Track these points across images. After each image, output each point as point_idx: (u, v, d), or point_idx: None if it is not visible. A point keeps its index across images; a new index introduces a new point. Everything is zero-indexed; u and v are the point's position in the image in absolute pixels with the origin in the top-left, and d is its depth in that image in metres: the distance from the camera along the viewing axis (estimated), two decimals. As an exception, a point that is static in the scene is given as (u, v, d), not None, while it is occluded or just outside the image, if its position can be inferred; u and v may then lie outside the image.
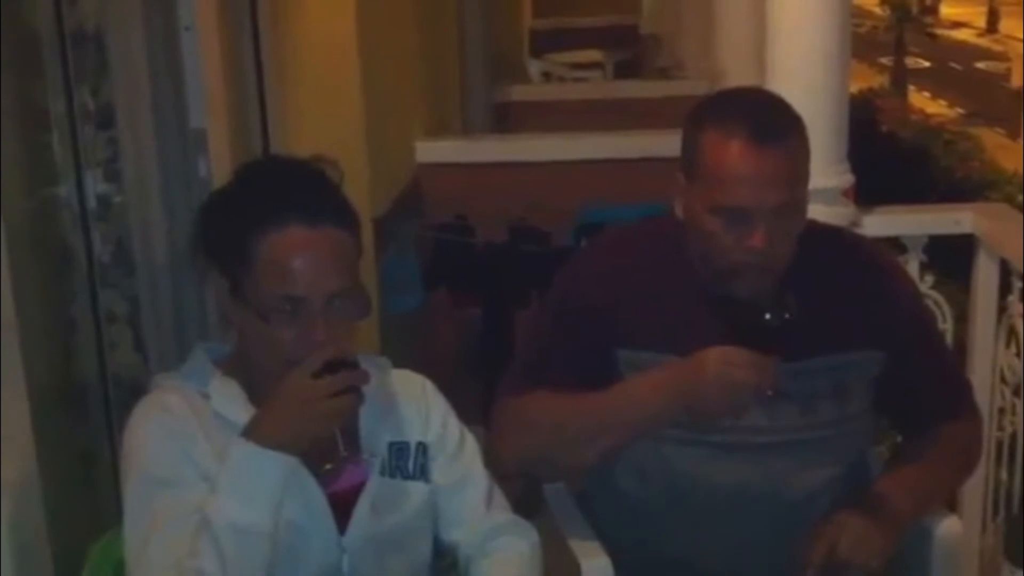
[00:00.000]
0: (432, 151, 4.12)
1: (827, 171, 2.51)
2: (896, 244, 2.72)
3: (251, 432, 1.43)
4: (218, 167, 2.27)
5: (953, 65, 28.32)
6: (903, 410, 1.88)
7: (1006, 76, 22.94)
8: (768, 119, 1.69)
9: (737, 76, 4.10)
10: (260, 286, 1.46)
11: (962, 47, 30.85)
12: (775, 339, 1.63)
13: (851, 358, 1.79)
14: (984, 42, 31.84)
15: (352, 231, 1.52)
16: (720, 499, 1.76)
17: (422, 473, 1.62)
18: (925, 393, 1.86)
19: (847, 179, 2.65)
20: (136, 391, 2.16)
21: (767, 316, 1.63)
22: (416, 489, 1.61)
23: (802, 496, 1.76)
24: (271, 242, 1.46)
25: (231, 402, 1.53)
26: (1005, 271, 2.74)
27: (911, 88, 24.84)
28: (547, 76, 8.08)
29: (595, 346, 1.75)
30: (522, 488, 1.89)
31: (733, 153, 1.65)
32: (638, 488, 1.81)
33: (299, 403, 1.41)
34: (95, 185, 2.14)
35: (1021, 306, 2.66)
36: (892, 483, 1.79)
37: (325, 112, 2.89)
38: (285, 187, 1.52)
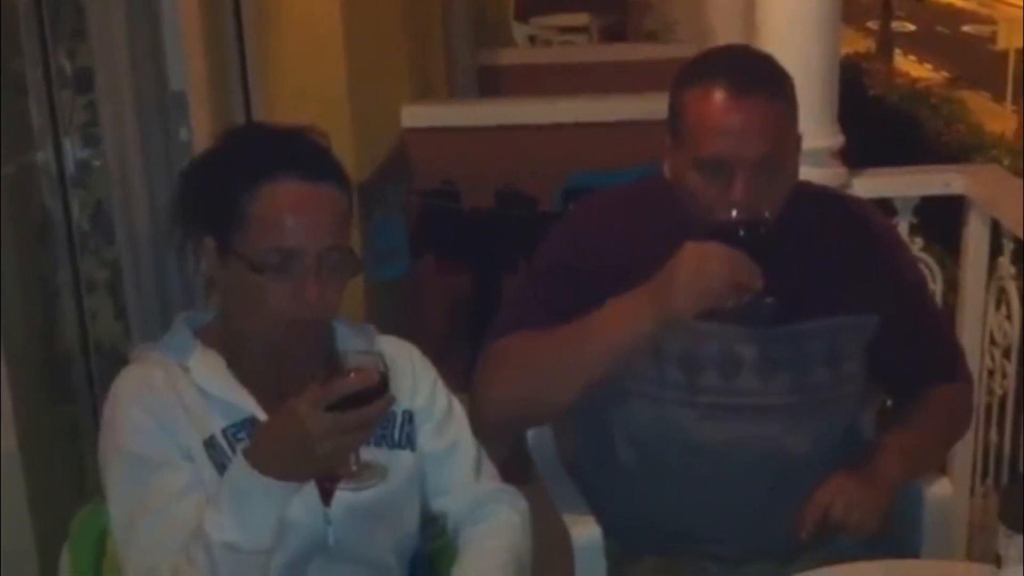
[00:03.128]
0: (418, 115, 4.08)
1: (817, 132, 2.49)
2: (886, 206, 2.70)
3: (254, 455, 1.37)
4: (199, 131, 2.25)
5: (939, 29, 28.27)
6: (895, 373, 1.87)
7: (992, 39, 22.90)
8: (748, 71, 1.69)
9: (726, 38, 4.04)
10: (252, 240, 1.44)
11: (948, 10, 30.79)
12: (752, 249, 1.58)
13: (844, 322, 1.78)
14: (970, 5, 31.77)
15: (344, 189, 1.50)
16: (712, 462, 1.75)
17: (408, 441, 1.60)
18: (917, 357, 1.86)
19: (838, 140, 2.63)
20: (118, 360, 2.14)
21: (741, 234, 1.60)
22: (402, 458, 1.58)
23: (794, 459, 1.75)
24: (264, 195, 1.44)
25: (212, 375, 1.50)
26: (994, 233, 2.73)
27: (897, 52, 24.80)
28: (533, 40, 8.02)
29: (582, 304, 1.72)
30: (509, 453, 1.87)
31: (713, 104, 1.65)
32: (628, 453, 1.80)
33: (306, 437, 1.32)
34: (73, 150, 2.12)
35: (1012, 268, 2.65)
36: (885, 446, 1.78)
37: (308, 75, 2.86)
38: (278, 143, 1.50)
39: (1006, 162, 12.25)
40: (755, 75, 1.68)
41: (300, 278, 1.43)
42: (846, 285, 1.77)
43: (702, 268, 1.58)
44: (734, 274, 1.57)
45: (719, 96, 1.64)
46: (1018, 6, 21.05)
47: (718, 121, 1.64)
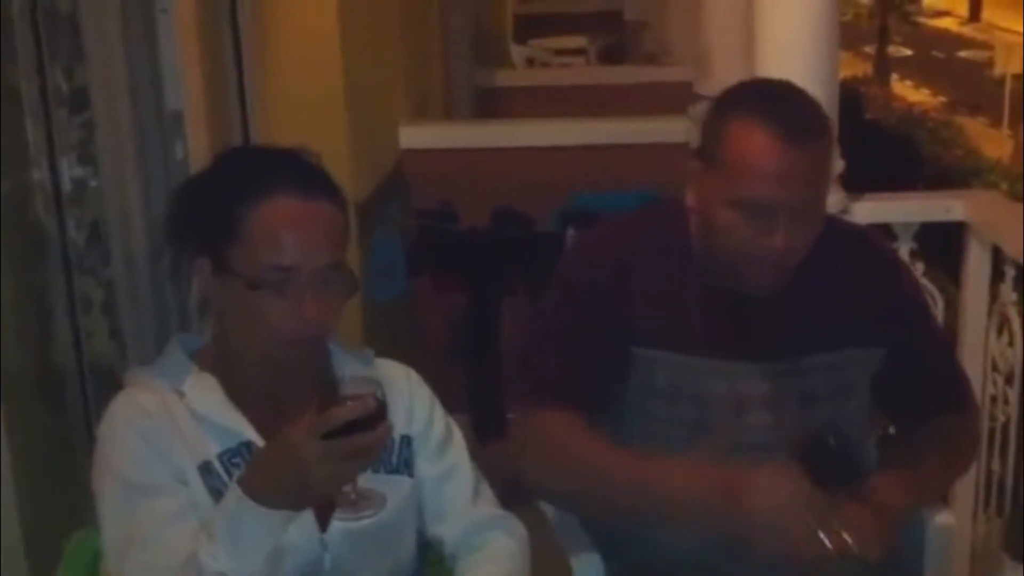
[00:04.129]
0: (416, 136, 4.08)
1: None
2: (886, 231, 2.70)
3: (249, 483, 1.36)
4: (196, 150, 2.23)
5: (936, 54, 28.41)
6: (902, 404, 1.85)
7: (988, 65, 23.01)
8: (802, 116, 1.64)
9: (724, 62, 4.06)
10: (249, 257, 1.43)
11: (945, 35, 30.96)
12: (838, 469, 1.54)
13: (853, 355, 1.76)
14: (967, 31, 31.95)
15: (341, 207, 1.50)
16: None
17: (405, 467, 1.58)
18: (924, 388, 1.83)
19: (838, 166, 2.63)
20: (113, 380, 2.12)
21: (831, 441, 1.55)
22: (399, 483, 1.57)
23: None
24: (261, 212, 1.43)
25: (208, 400, 1.49)
26: (996, 259, 2.72)
27: (894, 76, 24.91)
28: (531, 62, 8.05)
29: (610, 335, 1.70)
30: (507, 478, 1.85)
31: (764, 146, 1.60)
32: None
33: (301, 466, 1.31)
34: (69, 169, 2.10)
35: (1013, 294, 2.64)
36: (891, 476, 1.75)
37: (306, 94, 2.85)
38: (274, 161, 1.49)
39: (1003, 187, 12.30)
40: (806, 120, 1.64)
41: (298, 295, 1.42)
42: (856, 319, 1.75)
43: (780, 516, 1.52)
44: (817, 521, 1.52)
45: (768, 139, 1.60)
46: (1016, 32, 21.19)
47: (766, 165, 1.60)
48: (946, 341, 1.96)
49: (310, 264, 1.43)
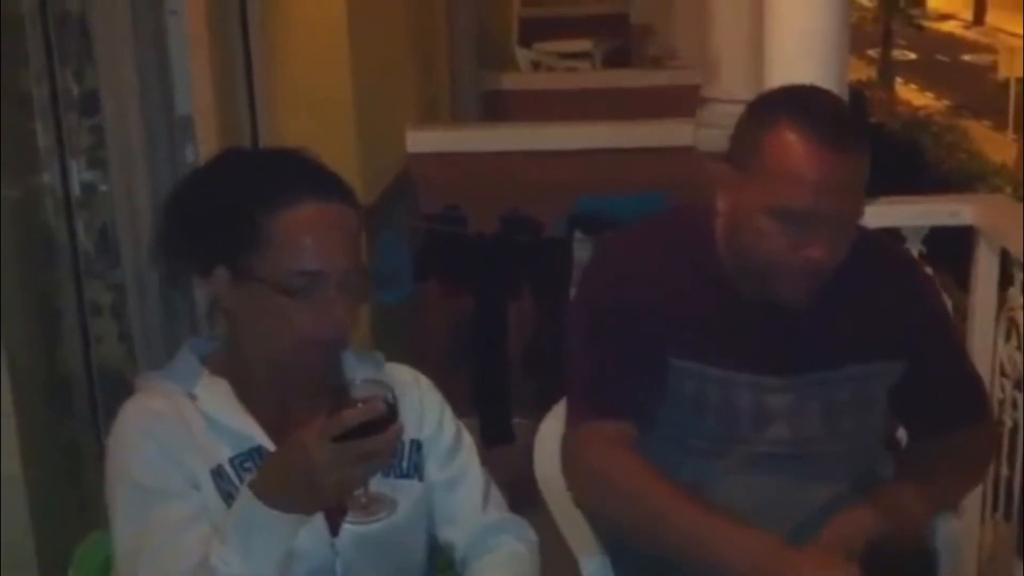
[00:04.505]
0: (423, 140, 4.08)
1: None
2: (894, 235, 2.69)
3: (260, 487, 1.36)
4: (205, 154, 2.23)
5: (940, 57, 28.39)
6: (920, 415, 1.84)
7: (993, 68, 22.99)
8: (845, 126, 1.62)
9: (731, 66, 4.06)
10: (274, 264, 1.42)
11: (949, 39, 30.94)
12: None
13: (874, 368, 1.74)
14: (971, 34, 31.93)
15: (357, 209, 1.50)
16: (733, 509, 1.68)
17: (416, 471, 1.58)
18: (944, 400, 1.81)
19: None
20: (122, 383, 2.12)
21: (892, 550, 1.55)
22: (410, 488, 1.56)
23: (818, 503, 1.71)
24: (285, 218, 1.43)
25: (220, 404, 1.48)
26: (1004, 263, 2.72)
27: (898, 80, 24.89)
28: (536, 65, 8.04)
29: (648, 346, 1.69)
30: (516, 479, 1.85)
31: (806, 155, 1.58)
32: None
33: (312, 469, 1.31)
34: (79, 173, 2.11)
35: (1022, 298, 2.63)
36: (910, 486, 1.74)
37: (314, 98, 2.86)
38: (291, 166, 1.49)
39: (1008, 190, 12.28)
40: (849, 131, 1.61)
41: (325, 299, 1.43)
42: (878, 332, 1.74)
43: None
44: None
45: (811, 148, 1.57)
46: (1019, 36, 21.16)
47: (808, 174, 1.58)
48: (966, 353, 1.94)
49: (335, 268, 1.43)
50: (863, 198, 1.65)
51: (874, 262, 1.76)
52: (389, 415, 1.33)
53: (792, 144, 1.59)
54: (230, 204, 1.46)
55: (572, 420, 1.75)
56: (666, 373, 1.70)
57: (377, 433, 1.31)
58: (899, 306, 1.76)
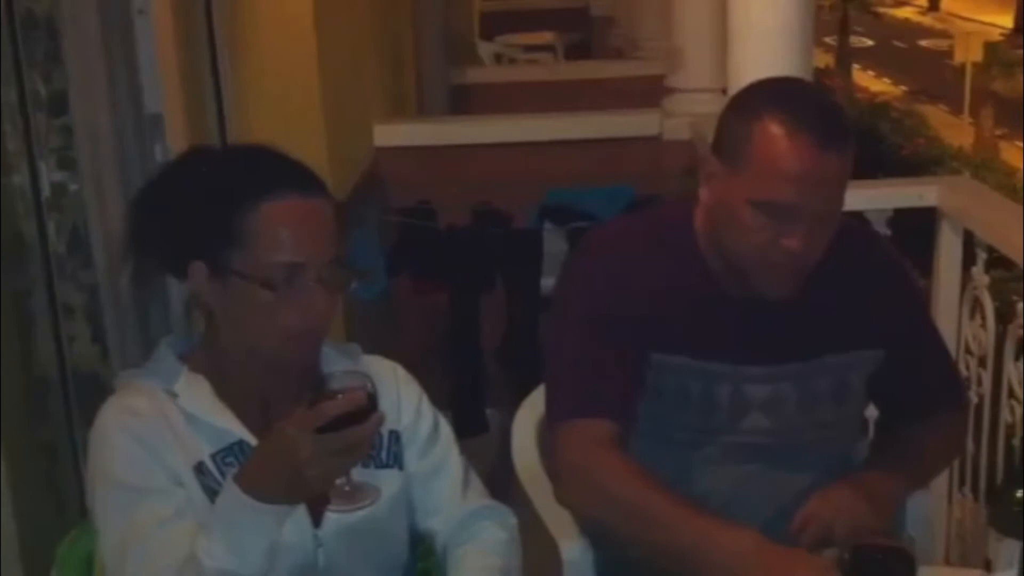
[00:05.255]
0: (391, 134, 4.08)
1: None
2: (859, 219, 2.73)
3: (244, 479, 1.36)
4: (175, 152, 2.23)
5: (897, 43, 28.66)
6: (897, 401, 1.86)
7: (949, 53, 23.21)
8: (833, 123, 1.61)
9: (697, 55, 4.10)
10: (255, 258, 1.43)
11: (905, 25, 31.25)
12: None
13: (853, 357, 1.76)
14: (927, 20, 32.26)
15: (332, 202, 1.52)
16: (713, 499, 1.71)
17: (395, 461, 1.59)
18: (921, 386, 1.84)
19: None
20: (96, 384, 2.12)
21: (877, 556, 1.51)
22: (390, 478, 1.57)
23: (797, 493, 1.72)
24: (264, 213, 1.44)
25: (200, 400, 1.49)
26: (967, 243, 2.76)
27: (856, 67, 25.09)
28: (499, 58, 8.06)
29: (632, 342, 1.69)
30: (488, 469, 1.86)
31: (796, 149, 1.57)
32: None
33: (295, 460, 1.32)
34: (48, 174, 2.09)
35: (986, 277, 2.68)
36: (886, 466, 1.76)
37: (282, 94, 2.86)
38: (267, 160, 1.50)
39: (966, 173, 12.43)
40: (837, 127, 1.61)
41: (308, 291, 1.44)
42: (857, 322, 1.75)
43: None
44: None
45: (801, 142, 1.57)
46: (974, 20, 21.38)
47: (798, 169, 1.57)
48: (940, 339, 1.97)
49: (315, 259, 1.45)
50: (845, 194, 1.65)
51: (851, 251, 1.76)
52: (370, 405, 1.34)
53: (780, 138, 1.58)
54: (206, 200, 1.47)
55: (553, 418, 1.75)
56: (648, 368, 1.70)
57: (359, 423, 1.32)
58: (877, 294, 1.77)
